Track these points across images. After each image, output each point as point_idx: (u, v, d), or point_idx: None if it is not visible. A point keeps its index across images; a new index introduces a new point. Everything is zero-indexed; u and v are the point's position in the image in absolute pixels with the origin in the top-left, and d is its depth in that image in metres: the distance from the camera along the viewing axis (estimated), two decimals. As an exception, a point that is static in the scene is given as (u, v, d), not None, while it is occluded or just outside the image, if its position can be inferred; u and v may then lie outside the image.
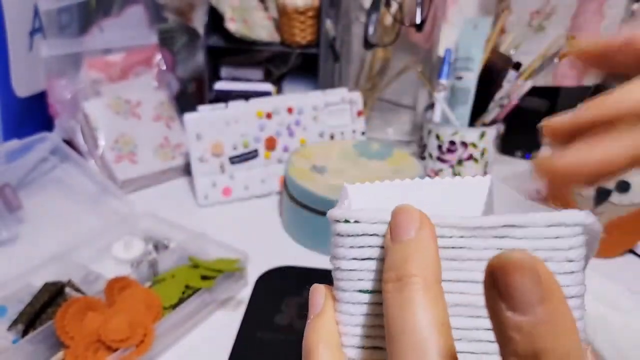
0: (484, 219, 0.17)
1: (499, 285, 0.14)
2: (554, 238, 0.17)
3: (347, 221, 0.18)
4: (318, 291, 0.20)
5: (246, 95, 0.83)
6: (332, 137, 0.80)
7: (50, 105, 0.79)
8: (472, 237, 0.17)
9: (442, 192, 0.23)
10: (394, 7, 0.78)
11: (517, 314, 0.14)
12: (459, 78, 0.73)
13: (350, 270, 0.18)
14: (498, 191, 0.22)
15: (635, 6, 0.82)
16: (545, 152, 0.20)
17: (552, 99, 0.91)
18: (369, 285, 0.18)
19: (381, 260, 0.17)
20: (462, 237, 0.17)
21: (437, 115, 0.76)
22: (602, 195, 0.59)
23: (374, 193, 0.22)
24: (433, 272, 0.17)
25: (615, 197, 0.59)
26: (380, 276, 0.17)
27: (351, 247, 0.18)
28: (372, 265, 0.17)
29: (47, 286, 0.51)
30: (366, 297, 0.18)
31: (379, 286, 0.17)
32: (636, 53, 0.19)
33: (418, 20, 0.77)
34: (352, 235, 0.18)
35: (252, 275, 0.58)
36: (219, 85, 0.88)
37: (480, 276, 0.16)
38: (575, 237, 0.17)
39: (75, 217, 0.67)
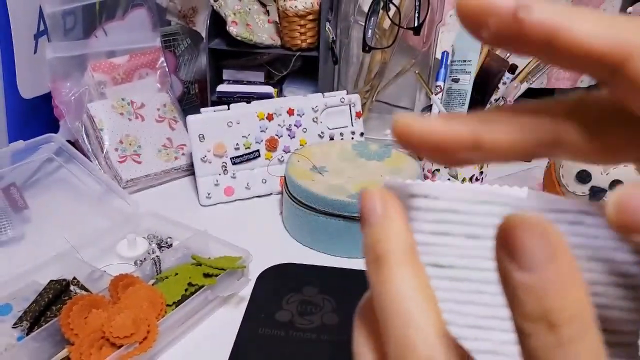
0: (562, 201, 0.17)
1: (507, 244, 0.14)
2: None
3: (426, 197, 0.18)
4: (372, 194, 0.18)
5: (248, 97, 0.84)
6: (331, 138, 0.81)
7: (55, 106, 0.80)
8: (553, 222, 0.17)
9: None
10: (393, 10, 0.79)
11: (525, 273, 0.14)
12: (456, 80, 0.75)
13: (426, 244, 0.18)
14: (534, 201, 0.22)
15: (631, 9, 0.83)
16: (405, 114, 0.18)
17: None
18: (444, 260, 0.18)
19: (459, 236, 0.18)
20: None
21: (435, 116, 0.77)
22: (597, 194, 0.60)
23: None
24: (405, 245, 0.17)
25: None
26: (458, 251, 0.17)
27: (428, 222, 0.18)
28: (449, 240, 0.18)
29: (52, 284, 0.51)
30: (440, 271, 0.18)
31: (453, 261, 0.18)
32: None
33: (416, 24, 0.78)
34: (432, 211, 0.18)
35: (254, 273, 0.59)
36: (221, 88, 0.89)
37: None
38: None
39: (80, 217, 0.68)
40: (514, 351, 0.16)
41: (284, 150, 0.78)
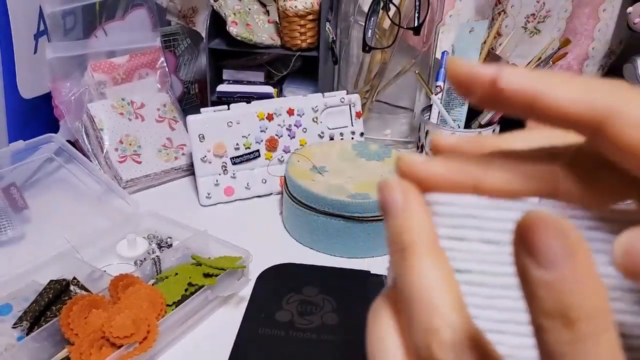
0: (576, 210, 0.17)
1: (526, 242, 0.14)
2: None
3: (442, 203, 0.18)
4: (391, 187, 0.18)
5: (248, 97, 0.84)
6: (331, 138, 0.81)
7: (55, 106, 0.80)
8: (589, 229, 0.17)
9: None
10: (393, 10, 0.79)
11: (544, 270, 0.14)
12: (456, 80, 0.75)
13: (444, 249, 0.18)
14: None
15: (631, 9, 0.83)
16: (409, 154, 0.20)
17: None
18: (461, 265, 0.18)
19: (475, 241, 0.18)
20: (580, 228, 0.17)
21: (434, 116, 0.77)
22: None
23: None
24: (427, 235, 0.17)
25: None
26: (474, 256, 0.18)
27: (445, 227, 0.18)
28: (465, 245, 0.18)
29: (52, 284, 0.51)
30: (459, 276, 0.18)
31: (470, 266, 0.18)
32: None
33: (416, 24, 0.78)
34: (449, 216, 0.18)
35: (254, 272, 0.59)
36: (221, 88, 0.89)
37: (600, 270, 0.15)
38: None
39: (80, 217, 0.68)
40: (528, 356, 0.16)
41: (284, 150, 0.78)
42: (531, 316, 0.15)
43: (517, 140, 0.20)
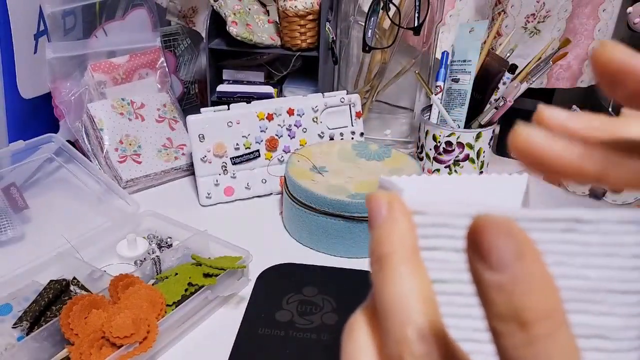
0: (552, 211, 0.17)
1: (476, 246, 0.14)
2: (622, 234, 0.16)
3: (415, 213, 0.18)
4: (378, 197, 0.18)
5: (248, 97, 0.84)
6: (331, 138, 0.81)
7: (55, 106, 0.81)
8: (541, 231, 0.17)
9: (483, 188, 0.23)
10: (393, 10, 0.79)
11: (494, 273, 0.14)
12: (456, 80, 0.75)
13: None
14: (535, 187, 0.22)
15: (631, 9, 0.83)
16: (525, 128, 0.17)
17: (546, 100, 0.93)
18: (436, 274, 0.18)
19: (449, 250, 0.18)
20: (534, 230, 0.17)
21: (434, 116, 0.77)
22: (597, 195, 0.60)
23: (418, 188, 0.22)
24: (407, 246, 0.17)
25: (610, 197, 0.60)
26: (446, 265, 0.18)
27: (419, 237, 0.18)
28: (439, 255, 0.18)
29: (52, 284, 0.51)
30: (435, 287, 0.18)
31: (445, 276, 0.18)
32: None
33: (416, 24, 0.78)
34: (421, 226, 0.18)
35: (254, 272, 0.59)
36: (221, 88, 0.89)
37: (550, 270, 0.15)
38: None
39: (80, 217, 0.68)
40: None
41: (284, 150, 0.78)
42: (487, 322, 0.14)
43: (633, 125, 0.17)
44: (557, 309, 0.14)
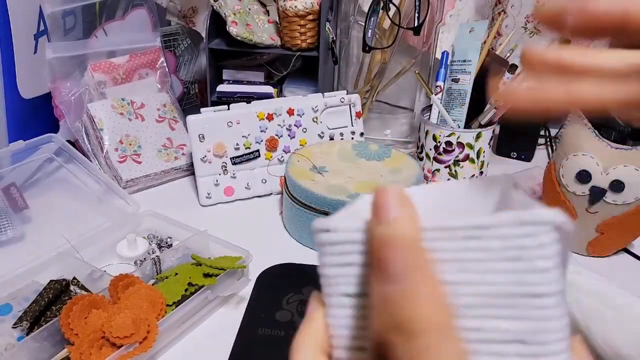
0: (452, 220, 0.17)
1: (373, 258, 0.15)
2: (524, 237, 0.16)
3: (327, 231, 0.19)
4: (312, 299, 0.20)
5: (248, 97, 0.85)
6: (331, 138, 0.81)
7: (55, 106, 0.81)
8: (443, 240, 0.17)
9: (466, 192, 0.23)
10: (393, 10, 0.79)
11: (386, 285, 0.14)
12: (456, 80, 0.75)
13: (334, 276, 0.19)
14: (510, 191, 0.22)
15: (631, 9, 0.83)
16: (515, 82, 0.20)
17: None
18: (352, 289, 0.18)
19: (362, 265, 0.18)
20: (436, 239, 0.17)
21: (434, 116, 0.77)
22: (597, 195, 0.60)
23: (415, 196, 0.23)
24: (413, 254, 0.17)
25: (610, 197, 0.60)
26: (361, 280, 0.18)
27: (332, 254, 0.18)
28: (353, 270, 0.18)
29: (52, 284, 0.51)
30: (351, 301, 0.19)
31: (361, 289, 0.18)
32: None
33: (416, 24, 0.78)
34: (333, 244, 0.18)
35: (254, 272, 0.59)
36: (221, 88, 0.89)
37: (454, 277, 0.16)
38: (546, 235, 0.16)
39: (80, 217, 0.68)
40: None
41: (284, 150, 0.78)
42: (377, 333, 0.15)
43: (607, 56, 0.20)
44: (444, 320, 0.14)
